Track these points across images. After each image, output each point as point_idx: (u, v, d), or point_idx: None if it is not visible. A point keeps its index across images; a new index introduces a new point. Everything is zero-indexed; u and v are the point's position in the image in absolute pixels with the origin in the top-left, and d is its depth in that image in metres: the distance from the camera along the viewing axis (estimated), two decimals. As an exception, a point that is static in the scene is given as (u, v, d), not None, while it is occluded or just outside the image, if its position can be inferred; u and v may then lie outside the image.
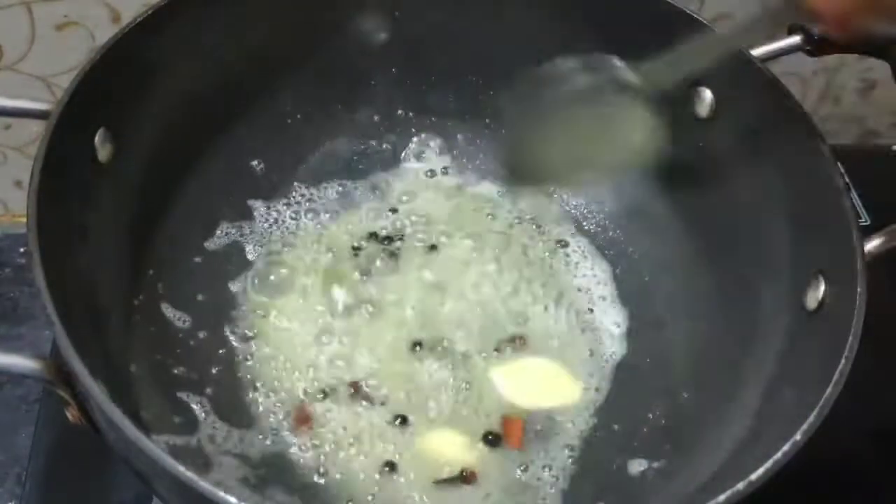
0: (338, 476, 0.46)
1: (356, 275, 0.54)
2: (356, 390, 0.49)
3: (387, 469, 0.46)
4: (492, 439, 0.48)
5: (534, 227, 0.57)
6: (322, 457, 0.47)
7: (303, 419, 0.48)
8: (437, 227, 0.56)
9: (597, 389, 0.51)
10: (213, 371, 0.49)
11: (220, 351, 0.50)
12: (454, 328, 0.52)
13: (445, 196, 0.58)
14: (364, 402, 0.49)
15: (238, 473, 0.45)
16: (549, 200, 0.59)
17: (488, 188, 0.59)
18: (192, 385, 0.48)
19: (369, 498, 0.45)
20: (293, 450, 0.47)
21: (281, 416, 0.48)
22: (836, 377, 0.37)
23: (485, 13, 0.55)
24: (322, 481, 0.46)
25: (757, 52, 0.48)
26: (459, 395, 0.49)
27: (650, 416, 0.49)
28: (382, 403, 0.49)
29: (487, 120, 0.59)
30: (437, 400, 0.49)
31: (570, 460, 0.48)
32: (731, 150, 0.50)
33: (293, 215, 0.56)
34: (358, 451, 0.47)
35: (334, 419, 0.48)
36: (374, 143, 0.59)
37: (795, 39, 0.51)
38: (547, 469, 0.47)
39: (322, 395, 0.49)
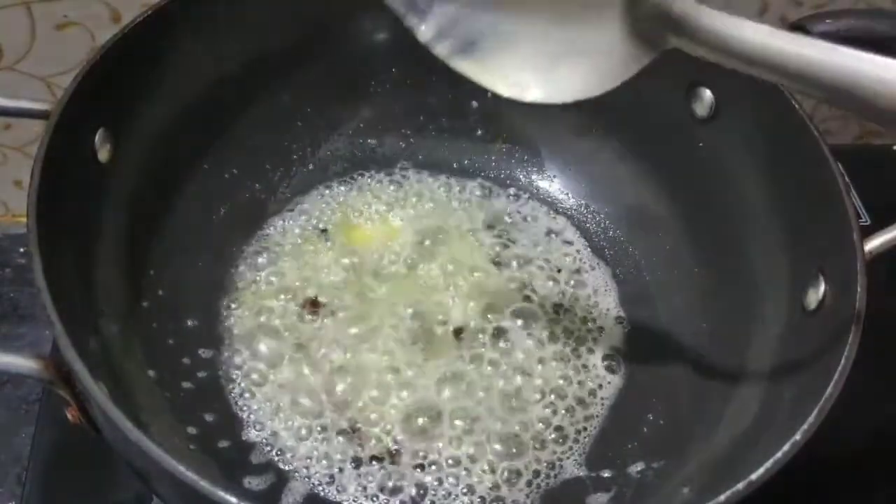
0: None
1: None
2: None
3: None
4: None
5: (535, 227, 0.58)
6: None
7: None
8: (436, 226, 0.57)
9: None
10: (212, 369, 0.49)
11: (221, 350, 0.50)
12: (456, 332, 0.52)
13: (444, 194, 0.58)
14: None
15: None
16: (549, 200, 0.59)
17: (487, 186, 0.59)
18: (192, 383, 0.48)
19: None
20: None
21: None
22: (836, 377, 0.37)
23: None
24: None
25: (757, 52, 0.48)
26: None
27: (650, 416, 0.49)
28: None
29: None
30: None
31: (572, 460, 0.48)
32: (730, 150, 0.50)
33: (294, 215, 0.56)
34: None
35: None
36: (374, 143, 0.59)
37: (795, 39, 0.51)
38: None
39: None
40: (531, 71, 0.35)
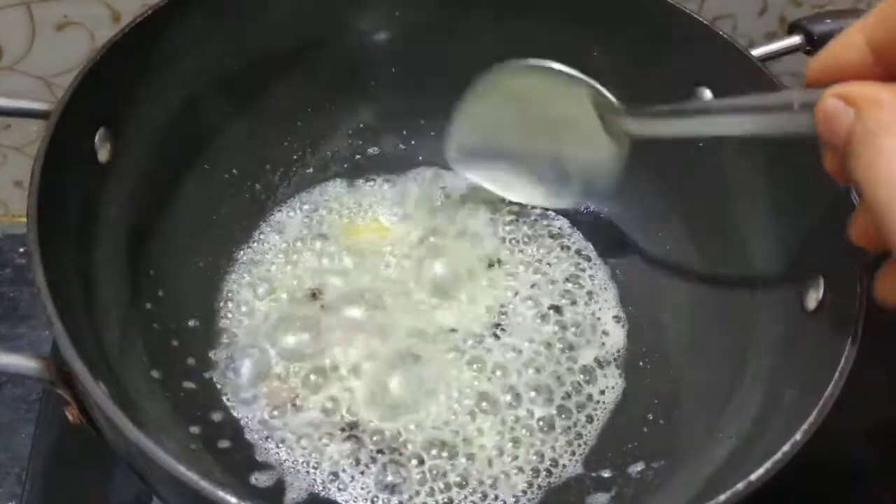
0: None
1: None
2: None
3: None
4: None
5: (534, 226, 0.58)
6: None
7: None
8: (435, 226, 0.57)
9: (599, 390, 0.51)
10: (213, 369, 0.49)
11: (222, 349, 0.50)
12: (455, 330, 0.52)
13: (445, 194, 0.58)
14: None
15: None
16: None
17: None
18: (193, 383, 0.48)
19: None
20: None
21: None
22: (836, 377, 0.37)
23: (485, 13, 0.55)
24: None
25: (757, 52, 0.49)
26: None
27: (650, 416, 0.49)
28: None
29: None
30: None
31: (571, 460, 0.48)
32: (730, 150, 0.50)
33: (294, 215, 0.56)
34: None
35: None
36: (374, 143, 0.59)
37: (795, 39, 0.51)
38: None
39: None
40: (572, 196, 0.55)
